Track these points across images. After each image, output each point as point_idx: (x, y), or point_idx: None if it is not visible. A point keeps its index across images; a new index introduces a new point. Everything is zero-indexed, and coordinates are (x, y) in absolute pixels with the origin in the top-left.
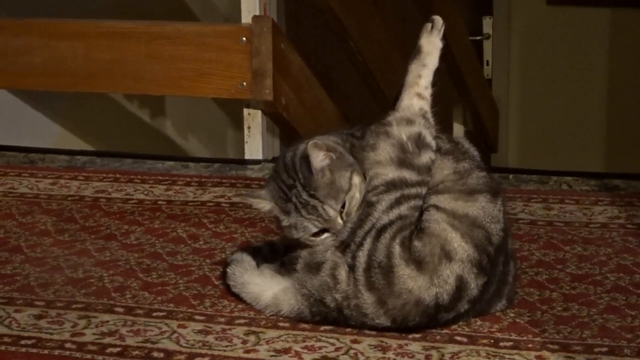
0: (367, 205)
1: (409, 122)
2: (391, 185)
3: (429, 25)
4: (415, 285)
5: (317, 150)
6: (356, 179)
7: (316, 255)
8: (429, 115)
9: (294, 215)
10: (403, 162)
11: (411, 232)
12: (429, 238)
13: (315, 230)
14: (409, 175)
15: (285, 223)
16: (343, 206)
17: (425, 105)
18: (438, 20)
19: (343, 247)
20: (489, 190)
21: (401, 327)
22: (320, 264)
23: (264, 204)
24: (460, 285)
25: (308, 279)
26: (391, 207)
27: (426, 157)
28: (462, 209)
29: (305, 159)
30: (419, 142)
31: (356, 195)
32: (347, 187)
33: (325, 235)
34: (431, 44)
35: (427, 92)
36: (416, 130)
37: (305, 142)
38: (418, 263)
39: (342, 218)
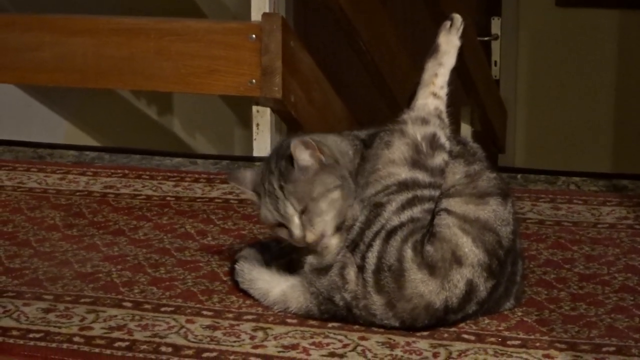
0: (375, 205)
1: (424, 121)
2: (403, 186)
3: (448, 23)
4: (426, 289)
5: (303, 149)
6: (334, 195)
7: (323, 260)
8: (444, 115)
9: (262, 200)
10: (416, 163)
11: (423, 236)
12: (440, 243)
13: (271, 221)
14: (421, 176)
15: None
16: (304, 211)
17: (440, 104)
18: (457, 18)
19: (352, 246)
20: (499, 193)
21: (410, 328)
22: (329, 267)
23: (243, 189)
24: (470, 289)
25: (316, 279)
26: (403, 208)
27: (439, 158)
28: (474, 213)
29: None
30: (433, 143)
31: (321, 206)
32: (316, 196)
33: (282, 229)
34: (449, 43)
35: (443, 92)
36: (431, 130)
37: (297, 137)
38: (431, 268)
39: (301, 221)
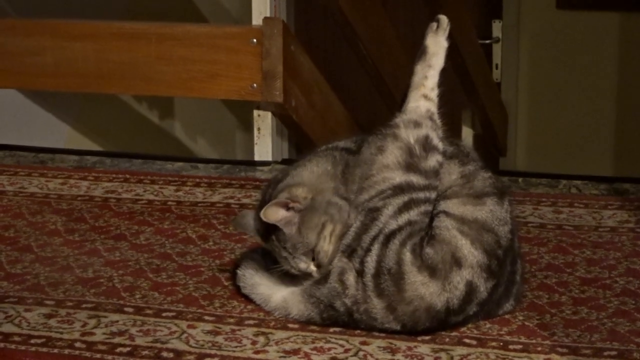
0: (371, 210)
1: (416, 124)
2: (398, 190)
3: (435, 24)
4: (427, 292)
5: (275, 211)
6: (327, 230)
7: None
8: (436, 116)
9: (278, 258)
10: (410, 166)
11: (422, 239)
12: (440, 245)
13: (292, 273)
14: (416, 179)
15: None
16: (315, 257)
17: (432, 106)
18: (443, 19)
19: (349, 252)
20: (495, 193)
21: (411, 332)
22: (327, 276)
23: (251, 235)
24: (470, 289)
25: (316, 290)
26: (399, 211)
27: (433, 160)
28: (471, 214)
29: None
30: (427, 145)
31: (324, 247)
32: (314, 242)
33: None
34: (437, 44)
35: (434, 94)
36: (423, 133)
37: (284, 188)
38: (431, 270)
39: (315, 266)
